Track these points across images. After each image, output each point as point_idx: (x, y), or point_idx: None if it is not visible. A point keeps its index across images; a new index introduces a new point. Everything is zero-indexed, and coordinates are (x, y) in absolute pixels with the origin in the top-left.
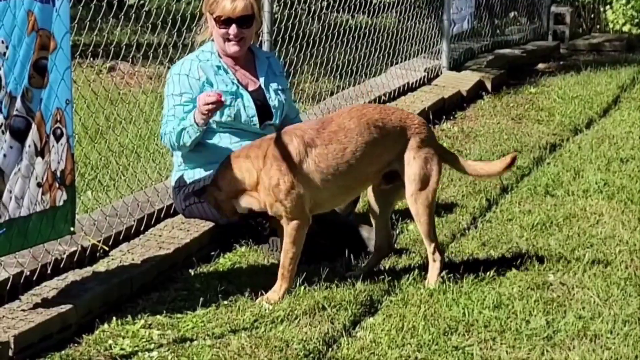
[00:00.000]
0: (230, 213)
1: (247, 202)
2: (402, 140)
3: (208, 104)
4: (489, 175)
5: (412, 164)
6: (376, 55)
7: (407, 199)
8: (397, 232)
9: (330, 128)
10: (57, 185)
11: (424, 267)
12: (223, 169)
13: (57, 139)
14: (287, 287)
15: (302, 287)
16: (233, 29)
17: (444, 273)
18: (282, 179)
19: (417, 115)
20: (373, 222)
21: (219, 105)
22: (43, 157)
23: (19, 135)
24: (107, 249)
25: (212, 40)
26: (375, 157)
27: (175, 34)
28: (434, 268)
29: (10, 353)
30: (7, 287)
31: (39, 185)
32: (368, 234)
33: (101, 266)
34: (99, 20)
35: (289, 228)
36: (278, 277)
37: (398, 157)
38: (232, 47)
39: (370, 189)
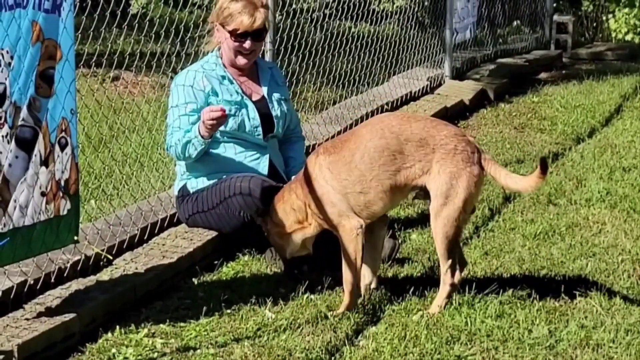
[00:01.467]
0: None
1: (299, 236)
2: (425, 151)
3: (212, 119)
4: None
5: (437, 178)
6: (379, 64)
7: (430, 215)
8: (400, 241)
9: (344, 137)
10: (61, 194)
11: (426, 276)
12: (276, 204)
13: (62, 148)
14: (350, 301)
15: (305, 296)
16: (248, 43)
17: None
18: (312, 193)
19: (449, 126)
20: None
21: (223, 120)
22: (47, 167)
23: (26, 144)
24: (110, 258)
25: (217, 50)
26: (391, 165)
27: (178, 43)
28: (442, 291)
29: None
30: (11, 296)
31: (42, 194)
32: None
33: (105, 275)
34: (102, 30)
35: (340, 238)
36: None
37: (424, 172)
38: (243, 60)
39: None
